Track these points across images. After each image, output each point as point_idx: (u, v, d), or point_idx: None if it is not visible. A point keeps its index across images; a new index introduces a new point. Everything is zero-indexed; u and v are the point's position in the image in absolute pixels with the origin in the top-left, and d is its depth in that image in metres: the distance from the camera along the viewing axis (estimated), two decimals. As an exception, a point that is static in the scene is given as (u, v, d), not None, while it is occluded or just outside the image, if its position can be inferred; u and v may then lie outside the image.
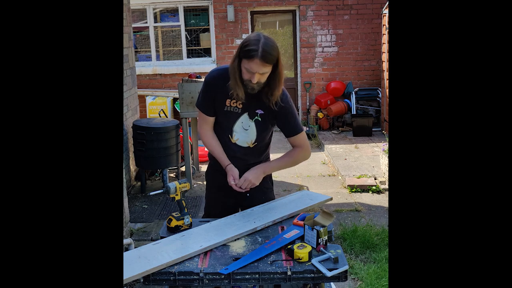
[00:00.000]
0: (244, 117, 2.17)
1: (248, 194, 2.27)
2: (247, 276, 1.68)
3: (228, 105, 2.15)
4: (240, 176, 2.21)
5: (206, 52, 8.06)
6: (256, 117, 2.17)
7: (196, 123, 5.65)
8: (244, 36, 7.72)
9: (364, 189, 4.79)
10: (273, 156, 2.35)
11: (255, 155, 2.28)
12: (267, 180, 2.36)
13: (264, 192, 2.35)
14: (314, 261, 1.71)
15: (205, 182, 2.87)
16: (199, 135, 2.31)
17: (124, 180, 3.93)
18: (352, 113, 7.60)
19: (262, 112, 2.16)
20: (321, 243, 1.81)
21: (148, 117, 7.20)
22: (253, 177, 2.20)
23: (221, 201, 2.33)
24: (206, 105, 2.19)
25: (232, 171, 2.20)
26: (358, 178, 4.99)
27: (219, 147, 2.23)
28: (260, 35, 1.97)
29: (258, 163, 2.28)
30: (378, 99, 7.77)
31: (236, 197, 2.29)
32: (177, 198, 2.07)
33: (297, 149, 2.28)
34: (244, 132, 2.20)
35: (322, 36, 7.86)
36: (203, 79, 5.31)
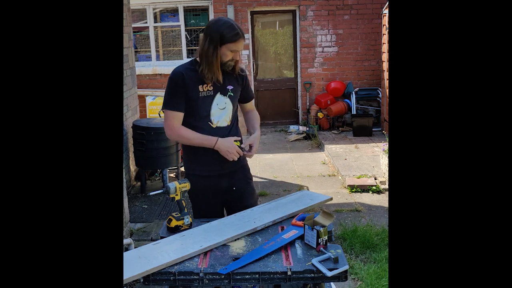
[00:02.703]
0: (218, 97, 2.28)
1: (234, 188, 2.35)
2: (247, 276, 1.68)
3: (202, 90, 2.24)
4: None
5: (206, 52, 8.04)
6: (229, 93, 2.32)
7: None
8: (245, 36, 7.71)
9: (364, 189, 4.79)
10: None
11: (235, 131, 2.39)
12: (249, 171, 2.49)
13: (248, 183, 2.45)
14: (314, 261, 1.71)
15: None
16: (171, 136, 2.29)
17: (124, 180, 3.93)
18: (352, 113, 7.60)
19: (232, 86, 2.33)
20: (321, 243, 1.81)
21: (148, 117, 7.20)
22: (257, 142, 2.32)
23: (207, 202, 2.34)
24: (175, 102, 2.24)
25: (228, 142, 2.23)
26: (358, 178, 4.99)
27: (197, 133, 2.24)
28: (227, 20, 2.21)
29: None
30: (378, 99, 7.77)
31: (224, 194, 2.34)
32: (177, 198, 2.07)
33: (254, 112, 2.53)
34: (221, 111, 2.29)
35: (322, 36, 7.86)
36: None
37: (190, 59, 2.34)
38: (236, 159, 2.23)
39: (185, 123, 2.26)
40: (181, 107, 2.24)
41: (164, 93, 2.31)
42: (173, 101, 2.25)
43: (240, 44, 2.20)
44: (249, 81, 2.46)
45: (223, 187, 2.33)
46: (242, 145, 2.29)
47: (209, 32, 2.18)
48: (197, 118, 2.26)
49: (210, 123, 2.27)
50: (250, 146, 2.32)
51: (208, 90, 2.25)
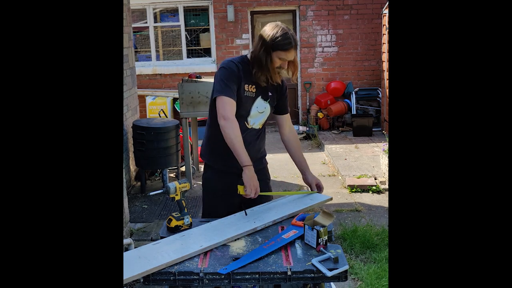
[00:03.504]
0: (259, 100, 2.29)
1: None
2: (247, 276, 1.68)
3: (247, 90, 2.24)
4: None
5: (206, 52, 8.06)
6: (269, 99, 2.34)
7: (196, 123, 5.65)
8: (245, 36, 7.73)
9: (364, 189, 4.79)
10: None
11: (263, 137, 2.42)
12: (268, 171, 2.51)
13: (267, 183, 2.46)
14: (314, 261, 1.71)
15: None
16: (224, 126, 2.12)
17: (124, 180, 3.93)
18: (352, 113, 7.59)
19: (271, 94, 2.34)
20: (321, 243, 1.81)
21: (148, 117, 7.20)
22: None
23: (227, 202, 2.32)
24: (231, 89, 2.17)
25: (254, 177, 2.13)
26: (358, 178, 4.99)
27: (242, 142, 2.15)
28: (283, 27, 2.18)
29: (263, 146, 2.47)
30: (378, 99, 7.77)
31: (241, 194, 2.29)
32: (177, 198, 2.07)
33: (295, 136, 2.52)
34: (259, 115, 2.32)
35: (322, 36, 7.86)
36: (203, 79, 5.32)
37: (243, 55, 2.31)
38: (250, 195, 2.11)
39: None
40: (234, 96, 2.18)
41: (214, 82, 2.23)
42: (229, 87, 2.16)
43: (290, 53, 2.18)
44: (287, 93, 2.46)
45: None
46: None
47: (263, 37, 2.18)
48: (236, 114, 2.20)
49: (246, 123, 2.28)
50: (318, 186, 2.42)
51: (251, 91, 2.25)
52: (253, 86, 2.25)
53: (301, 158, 2.49)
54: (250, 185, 2.10)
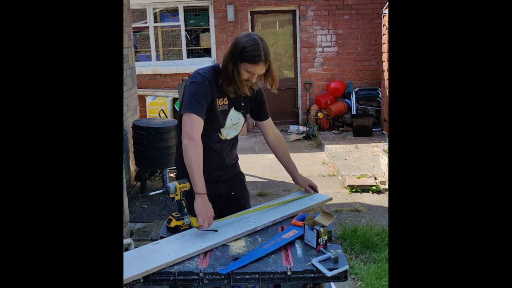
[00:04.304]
0: (232, 112, 2.22)
1: (233, 193, 2.34)
2: (247, 276, 1.68)
3: (220, 104, 2.16)
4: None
5: (206, 52, 8.06)
6: (242, 110, 2.27)
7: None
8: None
9: (364, 189, 4.79)
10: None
11: (236, 144, 2.36)
12: (243, 175, 2.47)
13: (245, 187, 2.44)
14: (314, 261, 1.71)
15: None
16: (187, 145, 1.99)
17: (124, 180, 3.93)
18: (352, 113, 7.60)
19: (244, 104, 2.26)
20: (321, 243, 1.81)
21: (148, 117, 7.20)
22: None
23: None
24: (202, 107, 2.05)
25: (209, 207, 1.98)
26: (358, 178, 4.99)
27: (201, 168, 2.01)
28: (255, 38, 2.04)
29: (236, 151, 2.40)
30: (378, 99, 7.77)
31: (222, 199, 2.30)
32: (177, 198, 2.07)
33: (280, 137, 2.46)
34: (234, 126, 2.26)
35: (322, 36, 7.86)
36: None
37: (214, 64, 2.19)
38: (203, 226, 1.94)
39: None
40: (204, 115, 2.06)
41: (183, 96, 2.12)
42: (200, 105, 2.04)
43: (258, 67, 2.04)
44: (265, 97, 2.35)
45: (223, 193, 2.30)
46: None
47: (234, 45, 2.05)
48: (208, 128, 2.13)
49: (219, 134, 2.22)
50: (312, 187, 2.40)
51: (224, 104, 2.16)
52: (225, 99, 2.15)
53: (288, 161, 2.45)
54: (202, 215, 1.93)
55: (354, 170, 5.30)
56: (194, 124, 2.02)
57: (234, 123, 2.24)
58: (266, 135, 2.44)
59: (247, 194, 2.46)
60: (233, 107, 2.21)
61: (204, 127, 2.09)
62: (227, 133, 2.24)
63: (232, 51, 2.05)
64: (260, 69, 2.06)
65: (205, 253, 1.83)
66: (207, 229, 1.93)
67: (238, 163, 2.45)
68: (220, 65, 2.13)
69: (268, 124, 2.42)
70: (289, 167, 2.45)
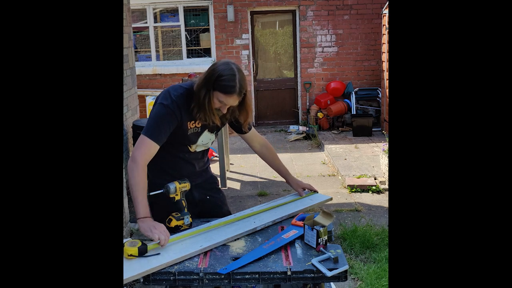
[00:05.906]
0: (205, 134, 2.18)
1: (208, 197, 2.33)
2: (247, 276, 1.69)
3: (191, 127, 2.11)
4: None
5: (206, 52, 8.06)
6: (216, 131, 2.24)
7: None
8: (245, 36, 7.73)
9: (364, 189, 4.79)
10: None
11: (206, 151, 2.33)
12: (216, 179, 2.46)
13: (220, 190, 2.43)
14: (314, 261, 1.71)
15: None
16: (131, 166, 1.95)
17: (124, 180, 3.93)
18: (352, 113, 7.59)
19: (219, 126, 2.20)
20: (321, 243, 1.81)
21: (148, 117, 7.18)
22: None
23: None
24: (162, 133, 2.01)
25: (156, 225, 1.86)
26: (358, 178, 4.99)
27: (144, 193, 1.94)
28: (233, 68, 1.97)
29: (207, 156, 2.37)
30: (378, 99, 7.77)
31: (198, 206, 2.28)
32: (177, 198, 2.07)
33: (266, 145, 2.41)
34: (204, 145, 2.23)
35: (322, 36, 7.86)
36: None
37: (190, 84, 2.09)
38: (158, 239, 1.80)
39: (163, 144, 2.04)
40: (162, 141, 2.02)
41: (150, 113, 2.07)
42: (160, 131, 2.00)
43: (231, 99, 1.96)
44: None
45: (197, 199, 2.27)
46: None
47: (210, 71, 1.97)
48: (178, 141, 2.12)
49: (189, 147, 2.18)
50: (306, 189, 2.40)
51: (196, 127, 2.12)
52: (198, 121, 2.09)
53: (279, 166, 2.43)
54: (153, 235, 1.81)
55: (354, 170, 5.31)
56: (144, 149, 1.99)
57: (204, 143, 2.21)
58: (252, 146, 2.40)
59: (223, 196, 2.44)
60: (206, 130, 2.16)
61: (173, 140, 2.07)
62: (196, 147, 2.21)
63: (207, 77, 1.97)
64: (233, 101, 1.98)
65: (205, 253, 1.83)
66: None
67: (209, 168, 2.41)
68: (194, 88, 2.04)
69: (251, 135, 2.35)
70: (282, 172, 2.44)
